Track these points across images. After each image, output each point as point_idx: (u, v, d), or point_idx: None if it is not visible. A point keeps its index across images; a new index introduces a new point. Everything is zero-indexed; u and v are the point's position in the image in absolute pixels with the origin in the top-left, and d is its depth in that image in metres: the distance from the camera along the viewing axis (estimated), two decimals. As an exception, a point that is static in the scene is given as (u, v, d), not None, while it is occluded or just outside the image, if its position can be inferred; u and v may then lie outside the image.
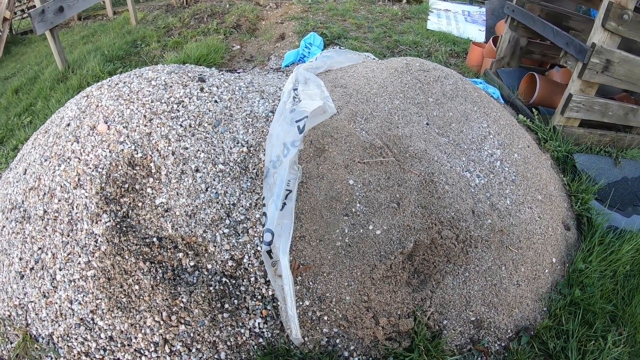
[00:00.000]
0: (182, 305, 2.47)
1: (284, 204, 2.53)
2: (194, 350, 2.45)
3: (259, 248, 2.55)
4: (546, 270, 3.09)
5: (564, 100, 4.02)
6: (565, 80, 4.79)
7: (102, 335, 2.48)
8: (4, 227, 2.90)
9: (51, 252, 2.64)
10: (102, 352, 2.47)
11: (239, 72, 5.11)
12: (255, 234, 2.58)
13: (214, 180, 2.68)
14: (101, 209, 2.61)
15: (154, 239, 2.57)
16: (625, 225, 3.57)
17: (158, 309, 2.46)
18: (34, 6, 6.24)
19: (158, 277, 2.50)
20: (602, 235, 3.43)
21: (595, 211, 3.59)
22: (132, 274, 2.51)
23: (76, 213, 2.65)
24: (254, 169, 2.75)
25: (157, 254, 2.55)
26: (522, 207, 3.13)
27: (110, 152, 2.74)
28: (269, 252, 2.45)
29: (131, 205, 2.66)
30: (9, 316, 2.72)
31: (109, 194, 2.65)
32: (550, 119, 4.23)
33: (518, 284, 2.92)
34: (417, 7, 8.43)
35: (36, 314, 2.62)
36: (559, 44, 4.14)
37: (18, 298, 2.69)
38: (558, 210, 3.41)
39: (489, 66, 5.43)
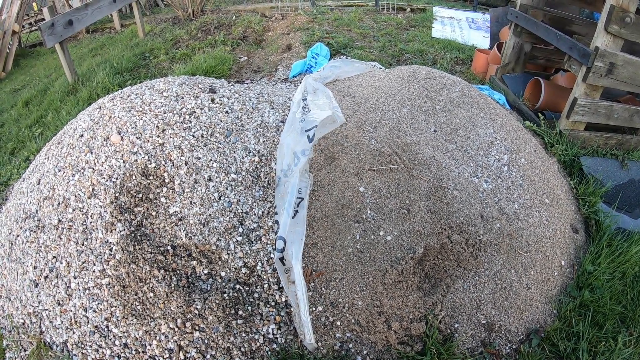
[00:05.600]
0: (196, 312, 2.50)
1: (296, 211, 2.57)
2: (208, 356, 2.47)
3: (272, 255, 2.58)
4: (555, 273, 3.11)
5: (569, 104, 4.04)
6: (570, 85, 4.81)
7: (117, 343, 2.51)
8: (18, 236, 2.93)
9: (66, 260, 2.68)
10: (116, 359, 2.50)
11: (247, 83, 5.17)
12: (268, 242, 2.61)
13: (227, 189, 2.72)
14: (115, 218, 2.65)
15: (168, 247, 2.61)
16: (634, 227, 3.57)
17: (172, 316, 2.49)
18: (43, 19, 6.33)
19: (172, 285, 2.53)
20: (610, 237, 3.44)
21: (602, 213, 3.60)
22: (147, 281, 2.54)
23: (91, 222, 2.69)
24: (266, 177, 2.79)
25: (171, 262, 2.58)
26: (530, 211, 3.15)
27: (124, 162, 2.79)
28: (282, 259, 2.48)
29: (145, 214, 2.70)
30: (23, 324, 2.75)
31: (123, 204, 2.69)
32: (556, 123, 4.25)
33: (528, 287, 2.93)
34: (421, 15, 8.49)
35: (50, 322, 2.66)
36: (563, 48, 4.17)
37: (32, 306, 2.73)
38: (566, 213, 3.43)
39: (494, 72, 5.46)
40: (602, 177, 3.86)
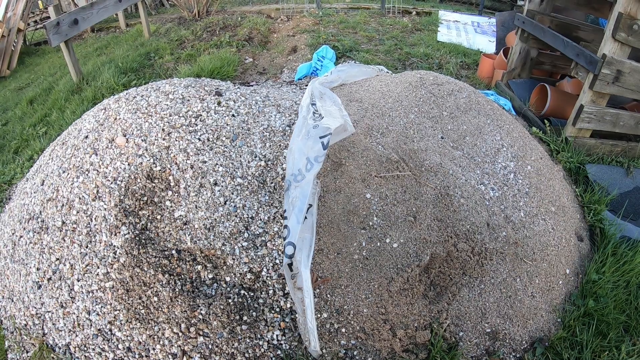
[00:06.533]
0: (200, 317, 2.49)
1: (305, 218, 2.55)
2: (212, 361, 2.47)
3: (277, 261, 2.57)
4: (560, 282, 3.09)
5: (575, 111, 4.03)
6: (576, 91, 4.80)
7: (120, 346, 2.50)
8: (21, 237, 2.93)
9: (69, 262, 2.67)
10: (119, 362, 2.50)
11: (253, 85, 5.16)
12: (274, 247, 2.60)
13: (233, 193, 2.71)
14: (120, 221, 2.64)
15: (173, 252, 2.60)
16: (639, 236, 3.56)
17: (177, 320, 2.48)
18: (48, 17, 6.33)
19: (177, 289, 2.52)
20: (615, 245, 3.43)
21: (608, 222, 3.58)
22: (151, 285, 2.53)
23: (95, 225, 2.68)
24: (272, 182, 2.77)
25: (176, 266, 2.57)
26: (536, 219, 3.14)
27: (129, 165, 2.78)
28: (290, 265, 2.46)
29: (150, 217, 2.69)
30: (26, 325, 2.75)
31: (127, 207, 2.68)
32: (562, 130, 4.25)
33: (532, 296, 2.92)
34: (427, 18, 8.49)
35: (53, 324, 2.65)
36: (570, 55, 4.16)
37: (35, 308, 2.72)
38: (571, 221, 3.42)
39: (500, 78, 5.45)
40: (608, 184, 3.84)
